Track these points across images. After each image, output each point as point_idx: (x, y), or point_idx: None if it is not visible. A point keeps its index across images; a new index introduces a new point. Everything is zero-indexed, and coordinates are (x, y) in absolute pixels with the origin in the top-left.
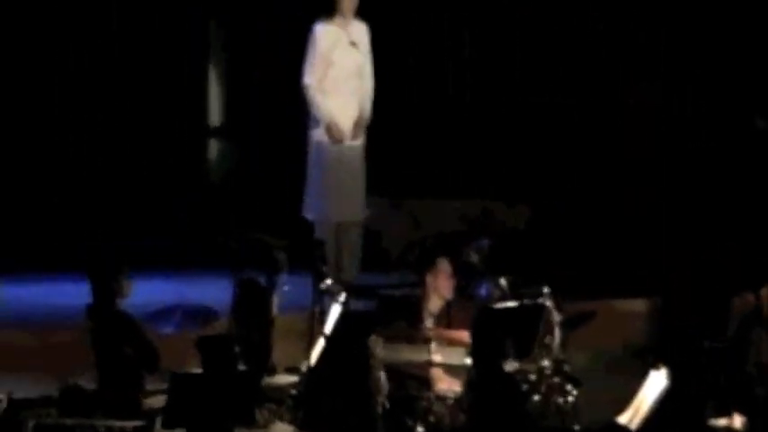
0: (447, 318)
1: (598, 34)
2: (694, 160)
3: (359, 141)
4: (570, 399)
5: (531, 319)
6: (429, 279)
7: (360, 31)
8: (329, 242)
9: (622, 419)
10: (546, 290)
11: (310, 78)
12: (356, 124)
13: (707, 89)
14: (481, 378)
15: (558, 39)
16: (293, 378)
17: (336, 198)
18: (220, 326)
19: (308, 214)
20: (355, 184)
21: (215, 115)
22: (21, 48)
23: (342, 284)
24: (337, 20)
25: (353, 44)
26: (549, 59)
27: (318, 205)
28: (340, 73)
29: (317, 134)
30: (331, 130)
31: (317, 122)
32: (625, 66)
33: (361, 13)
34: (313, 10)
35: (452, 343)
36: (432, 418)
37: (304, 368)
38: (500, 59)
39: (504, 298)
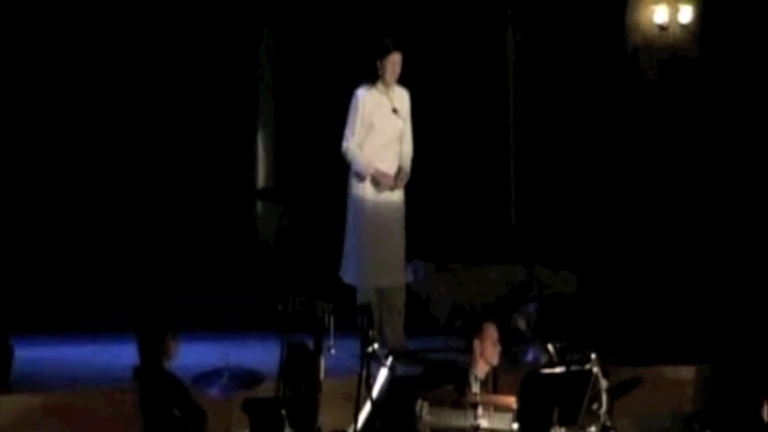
0: (494, 383)
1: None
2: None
3: (398, 194)
4: None
5: (578, 385)
6: (476, 344)
7: (401, 98)
8: (372, 306)
9: None
10: (593, 356)
11: (349, 142)
12: (396, 176)
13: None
14: None
15: None
16: None
17: (376, 263)
18: (267, 389)
19: (347, 278)
20: (394, 247)
21: (263, 177)
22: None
23: (388, 349)
24: (379, 86)
25: (395, 111)
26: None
27: (357, 270)
28: (380, 138)
29: (357, 189)
30: (376, 178)
31: (359, 179)
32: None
33: (403, 77)
34: (360, 75)
35: (499, 408)
36: None
37: None
38: (545, 124)
39: (551, 364)
